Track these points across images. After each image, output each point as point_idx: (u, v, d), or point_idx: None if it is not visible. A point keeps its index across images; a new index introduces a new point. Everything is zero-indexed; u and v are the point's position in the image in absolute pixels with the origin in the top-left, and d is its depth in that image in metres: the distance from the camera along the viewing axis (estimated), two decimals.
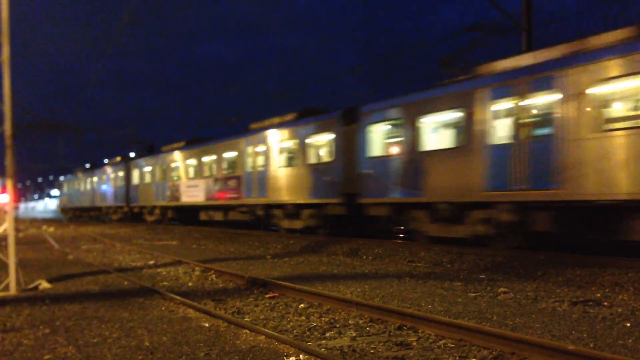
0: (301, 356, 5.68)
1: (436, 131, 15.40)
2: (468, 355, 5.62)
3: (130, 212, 38.74)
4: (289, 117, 22.23)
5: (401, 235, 18.04)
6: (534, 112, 12.77)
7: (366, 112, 17.36)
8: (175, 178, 31.01)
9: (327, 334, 6.59)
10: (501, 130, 13.34)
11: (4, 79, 10.42)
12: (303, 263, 13.83)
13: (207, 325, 7.20)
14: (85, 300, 9.15)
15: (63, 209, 58.92)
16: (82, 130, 53.83)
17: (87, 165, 53.59)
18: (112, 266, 14.00)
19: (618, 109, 11.56)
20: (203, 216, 28.66)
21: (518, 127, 12.84)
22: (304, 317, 7.53)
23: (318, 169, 19.59)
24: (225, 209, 26.11)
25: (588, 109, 11.48)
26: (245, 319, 7.49)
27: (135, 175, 36.91)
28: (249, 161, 23.66)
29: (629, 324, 6.75)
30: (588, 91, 11.49)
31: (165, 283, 11.10)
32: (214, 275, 11.75)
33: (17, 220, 42.22)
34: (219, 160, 26.28)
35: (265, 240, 19.71)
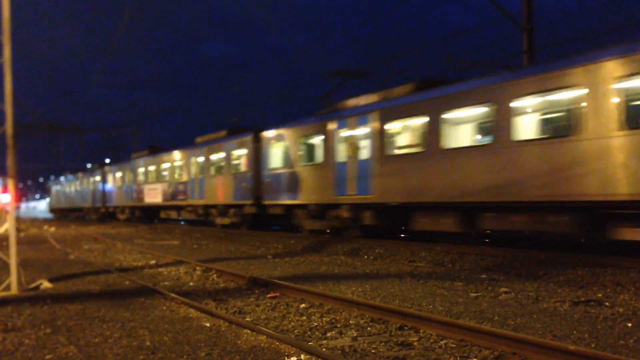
0: (302, 356, 5.68)
1: (307, 150, 20.63)
2: (469, 356, 5.62)
3: (106, 212, 43.85)
4: (221, 133, 27.08)
5: (402, 235, 18.08)
6: (358, 139, 17.68)
7: (266, 134, 22.67)
8: (140, 182, 36.08)
9: (328, 334, 6.59)
10: (342, 151, 18.24)
11: (5, 78, 10.43)
12: (304, 263, 13.83)
13: (208, 325, 7.21)
14: (87, 300, 9.16)
15: (52, 210, 64.84)
16: (84, 130, 53.86)
17: (89, 165, 54.16)
18: (114, 266, 14.01)
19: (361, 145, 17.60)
20: (162, 214, 34.56)
21: (351, 149, 17.89)
22: (305, 317, 7.54)
23: (238, 177, 24.61)
24: (178, 208, 31.08)
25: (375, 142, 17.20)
26: (247, 319, 7.49)
27: (110, 179, 42.30)
28: (192, 169, 28.78)
29: (630, 324, 6.74)
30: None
31: (166, 283, 11.10)
32: (215, 275, 11.75)
33: (19, 220, 42.38)
34: (172, 168, 31.42)
35: (266, 240, 19.72)
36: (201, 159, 27.83)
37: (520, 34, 18.88)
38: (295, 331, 6.78)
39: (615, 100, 10.95)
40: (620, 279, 9.48)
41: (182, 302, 8.71)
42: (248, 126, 25.52)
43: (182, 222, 32.48)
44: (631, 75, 10.75)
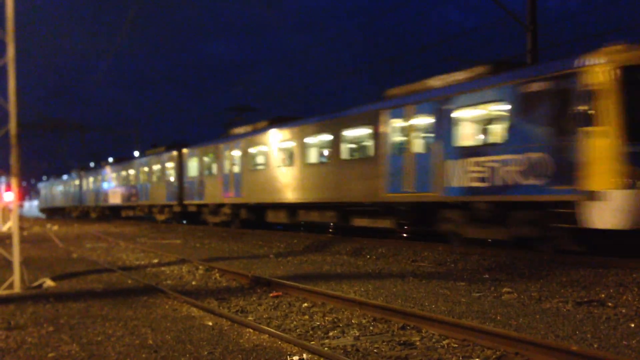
0: (304, 355, 5.69)
1: (208, 164, 28.32)
2: (472, 355, 5.62)
3: (83, 211, 52.27)
4: (161, 149, 34.89)
5: (404, 235, 18.07)
6: (238, 158, 25.06)
7: (185, 151, 30.99)
8: (106, 186, 44.77)
9: (331, 333, 6.59)
10: (228, 165, 25.67)
11: (9, 77, 10.45)
12: (306, 262, 13.83)
13: (210, 324, 7.21)
14: (90, 298, 9.18)
15: (42, 209, 72.69)
16: (87, 128, 54.06)
17: (91, 165, 54.95)
18: (116, 265, 14.04)
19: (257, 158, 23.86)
20: (123, 213, 42.60)
21: (232, 164, 25.44)
22: (307, 316, 7.54)
23: (169, 183, 32.68)
24: (132, 208, 39.74)
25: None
26: (249, 318, 7.49)
27: (84, 184, 51.10)
28: (141, 177, 37.24)
29: (633, 325, 6.73)
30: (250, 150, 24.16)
31: (169, 282, 11.12)
32: (217, 274, 11.76)
33: (22, 218, 42.68)
34: (127, 175, 39.96)
35: (268, 239, 19.73)
36: (145, 168, 36.36)
37: (521, 33, 18.87)
38: (298, 330, 6.78)
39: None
40: (624, 280, 9.45)
41: (184, 301, 8.72)
42: (177, 143, 32.88)
43: (184, 222, 32.79)
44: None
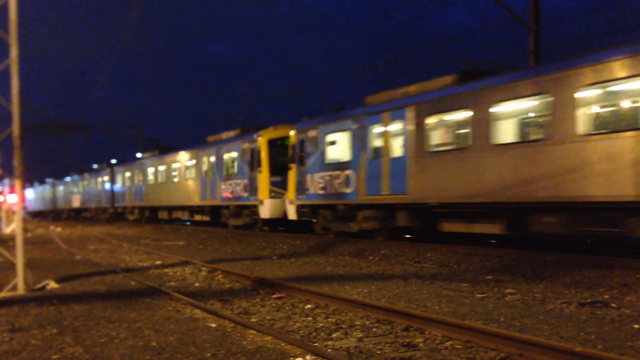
0: (308, 357, 5.68)
1: (130, 177, 38.25)
2: (475, 357, 5.61)
3: (56, 213, 62.62)
4: (103, 165, 47.41)
5: (407, 236, 18.04)
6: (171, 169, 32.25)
7: (115, 168, 42.54)
8: (72, 192, 55.95)
9: (334, 335, 6.59)
10: (169, 174, 32.03)
11: (12, 79, 10.48)
12: (309, 263, 13.83)
13: (213, 325, 7.21)
14: (93, 300, 9.19)
15: (28, 212, 79.94)
16: (91, 130, 54.22)
17: (95, 166, 55.94)
18: (119, 266, 14.05)
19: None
20: (84, 214, 53.12)
21: (163, 174, 32.98)
22: (310, 318, 7.54)
23: (104, 191, 44.81)
24: (85, 210, 51.61)
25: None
26: (252, 320, 7.50)
27: (57, 191, 63.07)
28: (99, 185, 46.39)
29: (637, 326, 6.71)
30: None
31: (172, 283, 11.12)
32: (220, 276, 11.76)
33: (25, 220, 42.89)
34: (88, 184, 49.99)
35: (271, 240, 19.72)
36: (105, 177, 44.81)
37: (523, 34, 18.85)
38: (301, 332, 6.78)
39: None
40: (627, 281, 9.43)
41: (187, 303, 8.72)
42: (113, 162, 45.34)
43: (188, 223, 32.96)
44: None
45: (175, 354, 5.93)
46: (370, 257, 14.50)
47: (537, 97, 12.33)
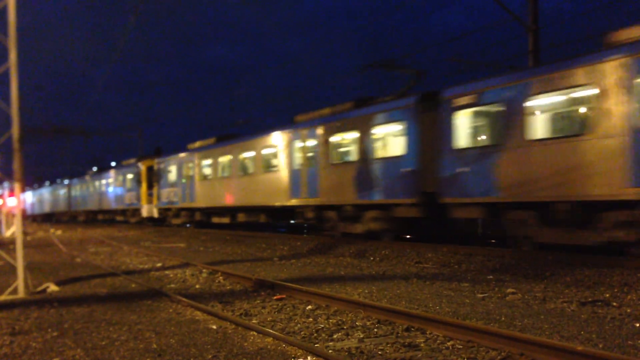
0: (309, 358, 5.68)
1: (110, 186, 43.52)
2: (476, 357, 5.61)
3: (33, 217, 71.53)
4: (90, 172, 52.89)
5: (408, 237, 18.04)
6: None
7: (92, 174, 50.08)
8: (46, 199, 66.59)
9: (335, 336, 6.58)
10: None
11: (11, 83, 10.47)
12: (310, 264, 13.82)
13: (214, 327, 7.21)
14: (93, 302, 9.18)
15: (29, 216, 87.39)
16: (90, 133, 54.16)
17: (95, 168, 56.81)
18: (120, 269, 14.04)
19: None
20: (58, 216, 60.60)
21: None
22: (311, 319, 7.53)
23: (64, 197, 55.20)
24: (63, 214, 58.76)
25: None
26: (253, 321, 7.49)
27: (32, 197, 75.42)
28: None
29: (638, 324, 6.71)
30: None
31: (172, 285, 11.12)
32: (221, 277, 11.76)
33: (25, 223, 42.90)
34: (62, 190, 58.31)
35: (272, 242, 19.72)
36: (82, 183, 51.79)
37: (521, 34, 18.87)
38: (302, 333, 6.78)
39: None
40: (628, 280, 9.43)
41: (188, 305, 8.72)
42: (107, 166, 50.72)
43: (188, 225, 32.93)
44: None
45: (176, 356, 5.92)
46: (371, 258, 14.50)
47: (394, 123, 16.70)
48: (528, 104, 12.68)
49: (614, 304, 7.94)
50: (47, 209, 66.62)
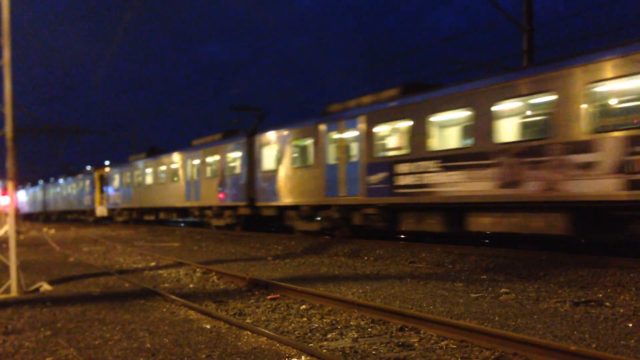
0: (303, 357, 5.68)
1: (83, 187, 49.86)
2: (470, 356, 5.62)
3: (19, 217, 70.45)
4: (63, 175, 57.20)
5: (402, 236, 18.06)
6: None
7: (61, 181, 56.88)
8: (24, 200, 73.33)
9: (329, 335, 6.58)
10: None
11: (5, 81, 10.43)
12: (304, 264, 13.82)
13: (208, 326, 7.20)
14: (87, 302, 9.15)
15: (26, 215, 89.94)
16: (84, 132, 53.99)
17: (88, 167, 56.79)
18: (113, 268, 14.01)
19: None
20: (35, 216, 67.47)
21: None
22: (305, 319, 7.53)
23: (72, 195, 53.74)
24: (40, 214, 65.15)
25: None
26: (247, 321, 7.48)
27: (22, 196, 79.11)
28: (46, 195, 60.92)
29: (631, 324, 6.73)
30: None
31: (166, 285, 11.09)
32: (215, 277, 11.74)
33: (18, 222, 42.88)
34: (39, 192, 64.84)
35: (266, 241, 19.71)
36: (57, 188, 57.05)
37: (515, 35, 18.93)
38: (296, 332, 6.77)
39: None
40: (621, 279, 9.47)
41: (182, 304, 8.70)
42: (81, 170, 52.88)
43: (182, 225, 32.92)
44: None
45: (170, 355, 5.91)
46: (365, 258, 14.51)
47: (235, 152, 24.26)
48: (292, 145, 20.33)
49: (607, 304, 7.97)
50: (26, 209, 73.77)
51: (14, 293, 10.02)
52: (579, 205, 11.25)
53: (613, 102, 11.24)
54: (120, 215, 39.82)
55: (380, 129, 16.40)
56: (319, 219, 19.28)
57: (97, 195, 42.85)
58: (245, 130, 24.70)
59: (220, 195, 25.03)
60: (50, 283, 11.05)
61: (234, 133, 25.38)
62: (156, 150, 34.76)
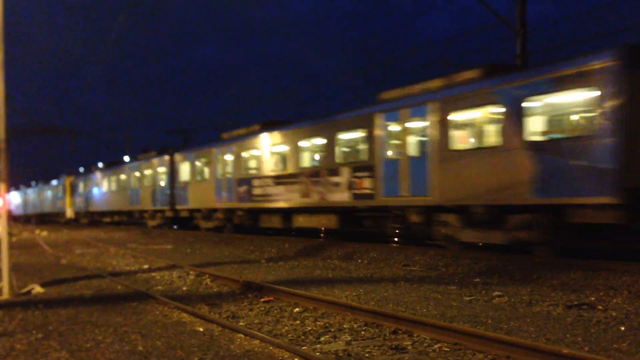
0: None
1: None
2: (463, 359, 5.62)
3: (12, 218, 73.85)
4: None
5: (396, 239, 18.08)
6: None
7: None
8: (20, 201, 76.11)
9: (322, 338, 6.58)
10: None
11: None
12: (298, 267, 13.81)
13: (201, 329, 7.17)
14: (79, 304, 9.11)
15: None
16: (77, 133, 54.02)
17: (81, 169, 57.07)
18: (106, 270, 13.95)
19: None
20: (16, 218, 67.71)
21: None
22: (298, 321, 7.52)
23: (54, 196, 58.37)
24: (20, 216, 68.42)
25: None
26: (240, 323, 7.46)
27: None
28: (27, 198, 67.80)
29: (623, 328, 6.75)
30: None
31: (159, 287, 11.06)
32: (208, 280, 11.71)
33: (10, 224, 42.79)
34: (21, 195, 70.28)
35: (260, 244, 19.68)
36: (40, 189, 61.89)
37: (507, 39, 19.05)
38: (289, 335, 6.76)
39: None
40: (614, 283, 9.50)
41: (175, 307, 8.67)
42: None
43: (175, 227, 32.85)
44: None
45: (162, 358, 5.89)
46: (359, 261, 14.51)
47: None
48: (196, 162, 27.33)
49: (600, 307, 8.00)
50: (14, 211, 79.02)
51: (5, 295, 9.96)
52: (339, 209, 17.71)
53: (345, 145, 18.02)
54: (84, 217, 46.96)
55: (245, 155, 23.14)
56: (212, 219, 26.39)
57: (67, 199, 49.90)
58: (171, 149, 31.54)
59: (153, 201, 32.40)
60: (43, 285, 10.99)
61: (165, 150, 31.97)
62: (112, 162, 42.95)
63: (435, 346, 6.07)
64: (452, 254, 13.51)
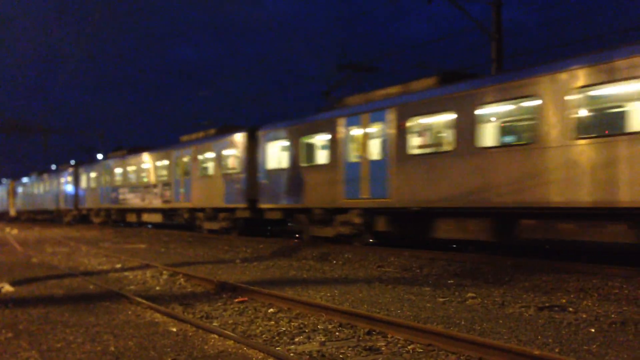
0: None
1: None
2: None
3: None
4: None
5: (371, 240, 18.13)
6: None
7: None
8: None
9: (296, 339, 6.57)
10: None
11: None
12: (273, 267, 13.77)
13: (174, 329, 7.11)
14: (50, 304, 8.97)
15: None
16: (50, 131, 53.33)
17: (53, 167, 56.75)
18: (78, 269, 13.76)
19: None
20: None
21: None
22: (273, 322, 7.50)
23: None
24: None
25: None
26: (214, 324, 7.42)
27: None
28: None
29: (593, 330, 6.86)
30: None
31: (132, 287, 10.94)
32: (182, 279, 11.62)
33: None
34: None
35: (235, 244, 19.59)
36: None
37: (482, 43, 19.24)
38: (264, 336, 6.74)
39: None
40: (584, 285, 9.65)
41: (148, 307, 8.59)
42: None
43: (150, 226, 32.57)
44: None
45: (135, 358, 5.82)
46: (334, 262, 14.53)
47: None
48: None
49: (570, 309, 8.12)
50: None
51: None
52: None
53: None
54: (22, 215, 55.05)
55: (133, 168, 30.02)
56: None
57: (11, 200, 58.07)
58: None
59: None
60: (13, 284, 10.80)
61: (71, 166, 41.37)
62: (43, 171, 50.84)
63: (409, 347, 6.10)
64: (427, 256, 13.61)
